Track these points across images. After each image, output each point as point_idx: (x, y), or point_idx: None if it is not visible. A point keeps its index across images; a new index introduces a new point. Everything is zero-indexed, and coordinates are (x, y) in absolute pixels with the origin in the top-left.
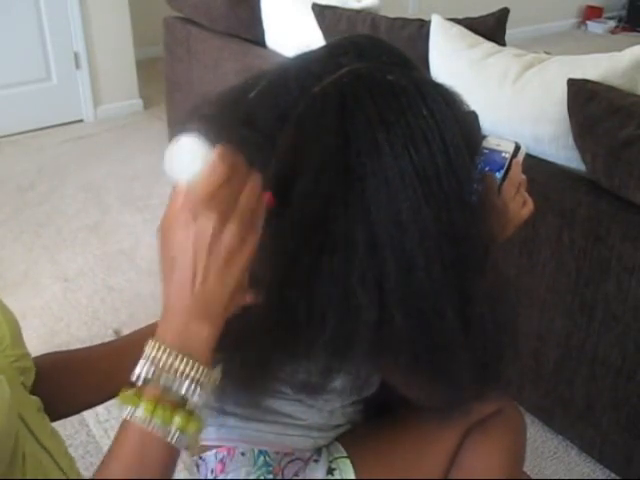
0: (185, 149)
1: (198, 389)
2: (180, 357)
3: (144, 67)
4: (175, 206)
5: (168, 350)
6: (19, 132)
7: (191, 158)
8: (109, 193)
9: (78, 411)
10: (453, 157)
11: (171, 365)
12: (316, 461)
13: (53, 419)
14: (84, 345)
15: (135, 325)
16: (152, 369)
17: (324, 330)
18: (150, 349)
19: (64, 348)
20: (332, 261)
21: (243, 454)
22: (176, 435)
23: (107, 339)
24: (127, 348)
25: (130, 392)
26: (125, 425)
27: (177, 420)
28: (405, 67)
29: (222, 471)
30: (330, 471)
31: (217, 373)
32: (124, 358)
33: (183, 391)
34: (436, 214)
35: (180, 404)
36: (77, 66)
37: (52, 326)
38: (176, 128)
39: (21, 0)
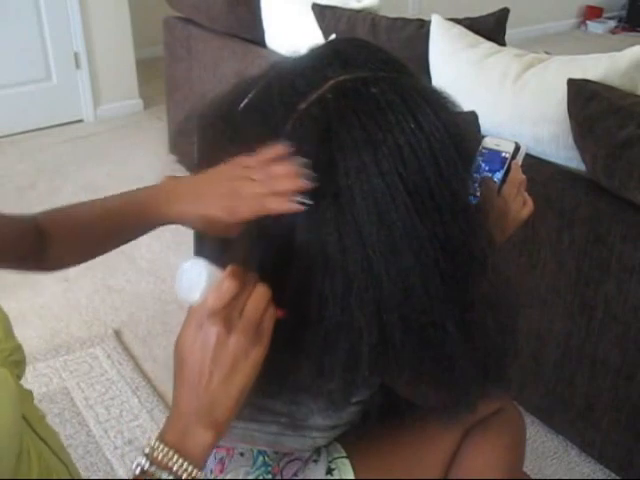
0: (192, 271)
1: None
2: (176, 458)
3: (144, 67)
4: (190, 324)
5: (166, 449)
6: (19, 132)
7: (199, 279)
8: (109, 193)
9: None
10: (444, 169)
11: (166, 464)
12: (315, 461)
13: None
14: (84, 345)
15: (135, 325)
16: (148, 463)
17: (333, 352)
18: (153, 442)
19: (64, 348)
20: (332, 284)
21: (242, 454)
22: None
23: (107, 339)
24: (122, 209)
25: None
26: None
27: None
28: (391, 71)
29: (221, 471)
30: (329, 471)
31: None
32: (120, 220)
33: None
34: (431, 230)
35: None
36: (77, 66)
37: (52, 326)
38: (175, 133)
39: (21, 0)
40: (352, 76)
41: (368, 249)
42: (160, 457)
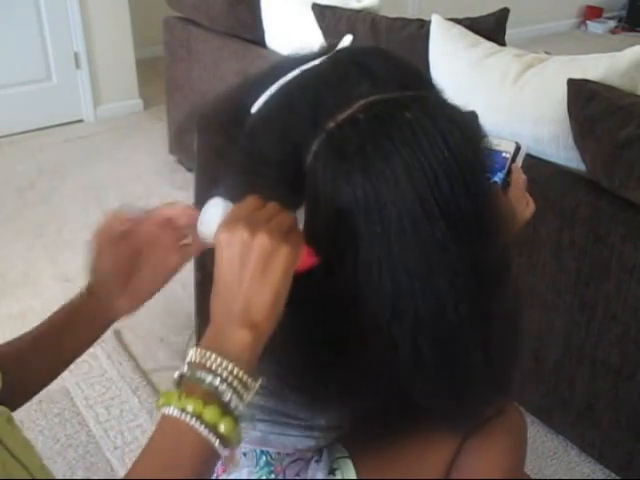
0: (212, 207)
1: (231, 390)
2: (214, 357)
3: (144, 67)
4: (218, 238)
5: (203, 351)
6: (19, 132)
7: (217, 211)
8: (109, 193)
9: (32, 396)
10: (474, 192)
11: (204, 364)
12: (317, 461)
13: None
14: None
15: (135, 325)
16: (187, 369)
17: (364, 370)
18: (192, 352)
19: None
20: (371, 306)
21: (245, 454)
22: (217, 439)
23: (107, 339)
24: (64, 318)
25: (173, 392)
26: (167, 421)
27: (221, 424)
28: (417, 88)
29: (224, 471)
30: (332, 471)
31: (258, 380)
32: (65, 329)
33: (219, 389)
34: (464, 252)
35: (220, 403)
36: (77, 66)
37: None
38: (175, 134)
39: (21, 0)
40: (383, 97)
41: (404, 275)
42: (198, 359)
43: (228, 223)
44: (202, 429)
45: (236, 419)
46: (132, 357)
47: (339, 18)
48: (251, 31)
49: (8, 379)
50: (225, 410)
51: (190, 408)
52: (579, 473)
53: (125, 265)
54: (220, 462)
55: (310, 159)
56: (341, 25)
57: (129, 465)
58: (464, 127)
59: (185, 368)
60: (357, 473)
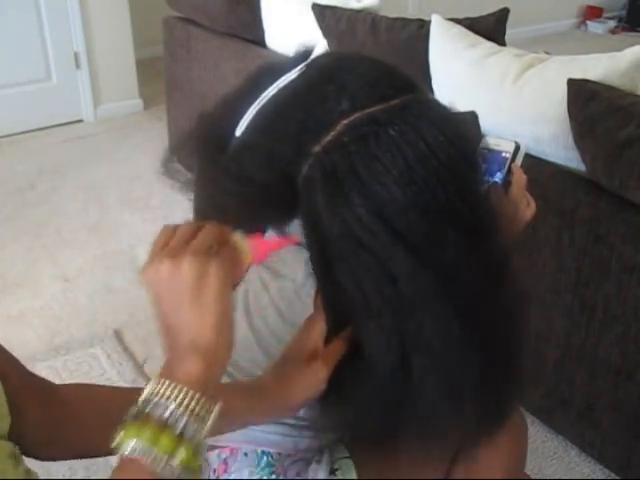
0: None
1: (187, 414)
2: (167, 383)
3: (144, 67)
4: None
5: (155, 382)
6: (19, 132)
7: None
8: (109, 193)
9: (82, 456)
10: (469, 194)
11: (157, 392)
12: (318, 462)
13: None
14: (84, 345)
15: (135, 325)
16: (140, 403)
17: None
18: (146, 389)
19: (64, 348)
20: (375, 325)
21: (246, 454)
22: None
23: (107, 339)
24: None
25: (129, 425)
26: (124, 459)
27: (176, 453)
28: (398, 93)
29: (225, 471)
30: (332, 472)
31: (217, 403)
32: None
33: (174, 414)
34: (469, 261)
35: (174, 431)
36: (77, 66)
37: (52, 326)
38: (174, 134)
39: (21, 0)
40: (364, 113)
41: (412, 287)
42: (152, 391)
43: (149, 260)
44: (157, 460)
45: (194, 447)
46: (132, 357)
47: (339, 18)
48: (251, 31)
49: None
50: (181, 439)
51: (144, 437)
52: (579, 473)
53: None
54: (222, 461)
55: (301, 183)
56: (341, 25)
57: None
58: (450, 131)
59: (138, 403)
60: (358, 474)
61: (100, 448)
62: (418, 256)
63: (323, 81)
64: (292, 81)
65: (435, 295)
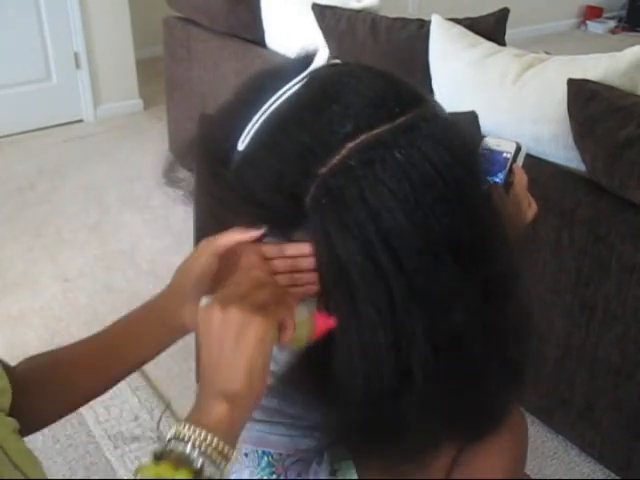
0: None
1: (205, 458)
2: (190, 428)
3: (144, 67)
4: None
5: (182, 425)
6: (19, 132)
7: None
8: (109, 193)
9: (62, 415)
10: (475, 216)
11: (180, 436)
12: (319, 462)
13: (35, 429)
14: None
15: None
16: (166, 444)
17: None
18: (171, 429)
19: None
20: (381, 337)
21: (246, 455)
22: None
23: None
24: (111, 341)
25: (149, 464)
26: None
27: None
28: (403, 109)
29: None
30: (333, 472)
31: (235, 449)
32: (110, 352)
33: (191, 456)
34: (471, 278)
35: (191, 469)
36: (77, 66)
37: (52, 326)
38: (174, 134)
39: (21, 0)
40: (369, 135)
41: (418, 309)
42: (175, 433)
43: (211, 301)
44: None
45: None
46: None
47: (339, 18)
48: (251, 31)
49: (37, 393)
50: (197, 476)
51: (161, 472)
52: (579, 473)
53: (208, 278)
54: None
55: (309, 204)
56: (341, 25)
57: (129, 465)
58: (457, 148)
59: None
60: (358, 474)
61: (71, 406)
62: (414, 284)
63: (327, 100)
64: (295, 94)
65: (425, 328)
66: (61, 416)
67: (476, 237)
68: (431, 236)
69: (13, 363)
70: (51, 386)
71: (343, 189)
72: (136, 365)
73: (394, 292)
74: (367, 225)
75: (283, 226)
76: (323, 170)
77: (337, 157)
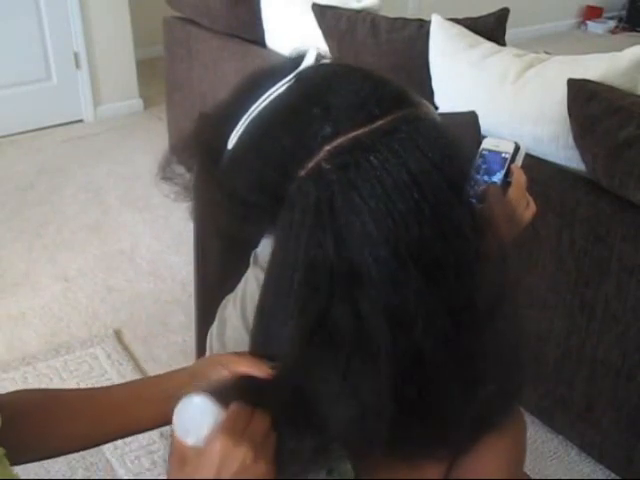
0: (196, 409)
1: None
2: None
3: (144, 67)
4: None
5: None
6: (19, 132)
7: (201, 419)
8: (109, 193)
9: (45, 458)
10: (449, 232)
11: None
12: (315, 462)
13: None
14: (84, 345)
15: (135, 325)
16: None
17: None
18: None
19: (64, 348)
20: (355, 357)
21: None
22: None
23: (107, 339)
24: (116, 402)
25: None
26: None
27: None
28: (383, 111)
29: None
30: (329, 472)
31: None
32: (114, 411)
33: None
34: (440, 295)
35: None
36: (77, 66)
37: (52, 326)
38: (174, 134)
39: (21, 0)
40: (347, 138)
41: (385, 323)
42: None
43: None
44: None
45: None
46: (132, 357)
47: (339, 18)
48: (251, 31)
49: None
50: None
51: None
52: (579, 473)
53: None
54: None
55: (286, 205)
56: (341, 25)
57: (129, 465)
58: (438, 155)
59: None
60: (355, 473)
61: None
62: (380, 295)
63: (309, 102)
64: (279, 96)
65: (389, 344)
66: (38, 459)
67: (450, 252)
68: (399, 247)
69: (13, 363)
70: (42, 423)
71: (315, 193)
72: (138, 429)
73: (360, 302)
74: (336, 230)
75: (268, 226)
76: (301, 173)
77: (314, 160)
